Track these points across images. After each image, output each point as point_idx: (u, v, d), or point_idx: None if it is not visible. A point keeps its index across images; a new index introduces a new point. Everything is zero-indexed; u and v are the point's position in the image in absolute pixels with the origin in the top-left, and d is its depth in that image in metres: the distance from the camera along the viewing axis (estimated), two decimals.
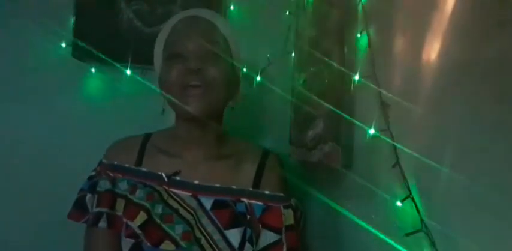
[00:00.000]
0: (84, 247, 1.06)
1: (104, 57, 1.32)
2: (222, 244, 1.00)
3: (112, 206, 1.02)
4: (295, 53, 1.22)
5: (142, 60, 1.31)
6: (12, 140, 1.37)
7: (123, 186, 1.04)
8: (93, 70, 1.40)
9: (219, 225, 1.01)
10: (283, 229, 1.02)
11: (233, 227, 1.00)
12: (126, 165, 1.06)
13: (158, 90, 1.06)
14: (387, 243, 0.77)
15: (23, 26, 1.33)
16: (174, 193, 1.03)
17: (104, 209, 1.02)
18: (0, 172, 1.37)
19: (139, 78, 1.34)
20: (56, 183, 1.35)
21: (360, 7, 0.94)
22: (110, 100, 1.41)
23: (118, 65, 1.34)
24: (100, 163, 1.09)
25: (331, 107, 0.96)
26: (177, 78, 0.99)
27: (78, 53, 1.36)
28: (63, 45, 1.38)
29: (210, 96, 0.99)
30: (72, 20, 1.38)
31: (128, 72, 1.33)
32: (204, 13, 1.08)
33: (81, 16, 1.38)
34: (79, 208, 1.06)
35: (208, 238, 1.00)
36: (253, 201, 1.04)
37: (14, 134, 1.38)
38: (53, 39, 1.36)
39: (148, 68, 1.32)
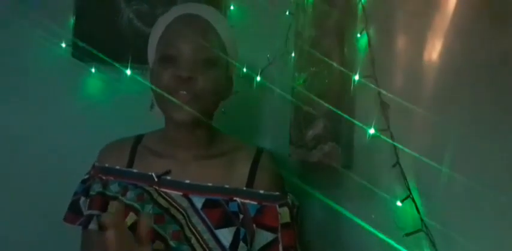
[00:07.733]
0: (80, 248, 1.08)
1: (104, 57, 1.31)
2: (212, 243, 0.99)
3: (103, 209, 1.02)
4: (295, 53, 1.22)
5: (143, 60, 1.30)
6: (12, 140, 1.38)
7: (114, 188, 1.04)
8: (93, 70, 1.41)
9: (210, 224, 1.00)
10: (279, 227, 1.01)
11: (224, 226, 1.00)
12: (117, 167, 1.06)
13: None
14: (387, 243, 0.77)
15: (23, 26, 1.33)
16: (165, 193, 1.03)
17: (95, 212, 1.03)
18: (0, 172, 1.37)
19: (139, 78, 1.34)
20: (56, 182, 1.35)
21: (360, 7, 0.93)
22: (110, 100, 1.41)
23: (118, 65, 1.33)
24: (93, 166, 1.10)
25: (331, 107, 0.96)
26: (167, 84, 0.98)
27: (78, 53, 1.36)
28: (63, 45, 1.38)
29: (198, 104, 0.98)
30: (72, 20, 1.38)
31: (128, 72, 1.33)
32: (203, 11, 1.05)
33: (81, 16, 1.38)
34: (73, 211, 1.07)
35: (199, 237, 1.00)
36: (247, 200, 1.02)
37: (14, 134, 1.38)
38: (53, 39, 1.36)
39: (149, 68, 1.32)
